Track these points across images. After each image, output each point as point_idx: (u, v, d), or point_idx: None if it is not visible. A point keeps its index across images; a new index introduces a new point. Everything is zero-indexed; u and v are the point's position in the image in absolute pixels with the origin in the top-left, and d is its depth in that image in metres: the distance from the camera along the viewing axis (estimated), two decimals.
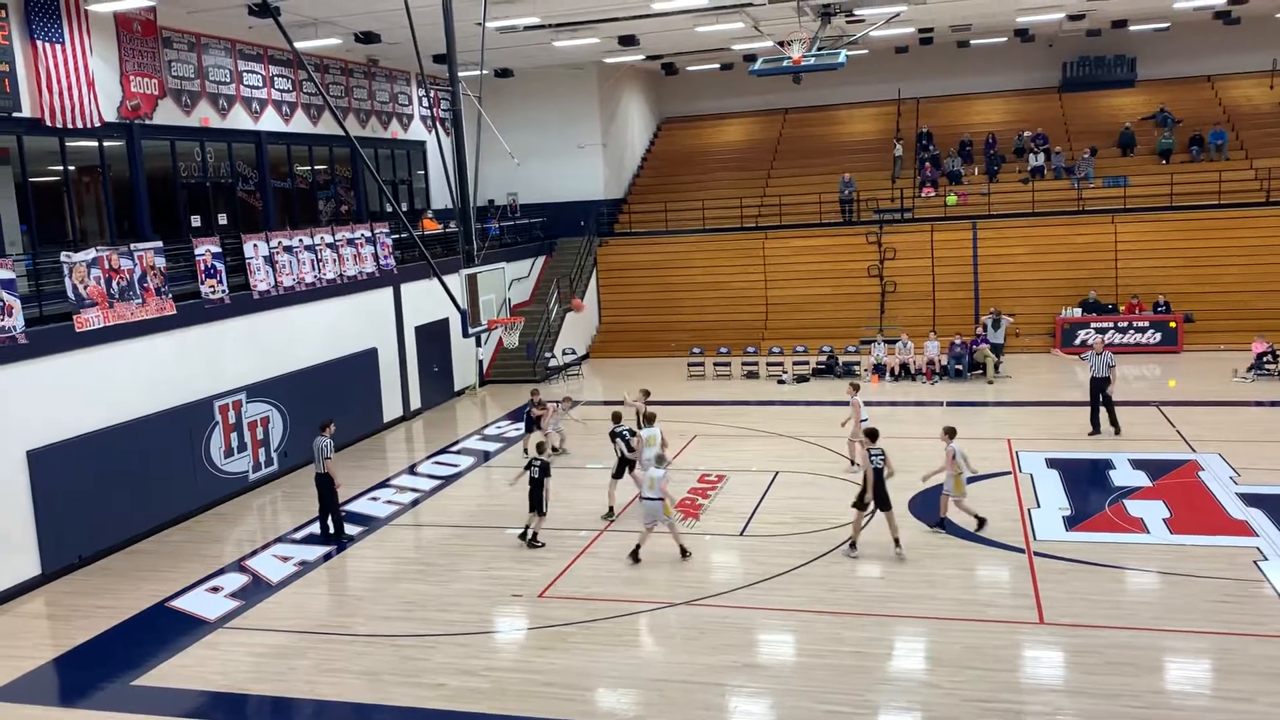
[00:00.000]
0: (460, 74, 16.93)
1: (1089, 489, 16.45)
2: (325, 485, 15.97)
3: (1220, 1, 28.45)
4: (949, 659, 11.03)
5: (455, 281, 17.83)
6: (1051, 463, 18.01)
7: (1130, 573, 13.10)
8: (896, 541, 13.90)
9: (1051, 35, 34.10)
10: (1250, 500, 15.37)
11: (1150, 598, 12.47)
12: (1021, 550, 13.99)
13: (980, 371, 25.68)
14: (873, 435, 14.46)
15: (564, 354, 29.75)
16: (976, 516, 14.83)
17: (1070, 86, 35.93)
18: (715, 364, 28.16)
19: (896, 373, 26.28)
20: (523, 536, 15.24)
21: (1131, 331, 27.83)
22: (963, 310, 29.54)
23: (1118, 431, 19.57)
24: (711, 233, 33.39)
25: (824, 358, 27.61)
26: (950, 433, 14.98)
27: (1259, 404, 21.68)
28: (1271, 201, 29.42)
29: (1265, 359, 23.97)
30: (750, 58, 31.20)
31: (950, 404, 23.41)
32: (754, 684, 10.80)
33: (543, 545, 15.02)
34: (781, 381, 26.78)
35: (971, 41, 34.10)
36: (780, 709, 10.26)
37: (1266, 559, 13.18)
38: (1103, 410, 19.82)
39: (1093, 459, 18.05)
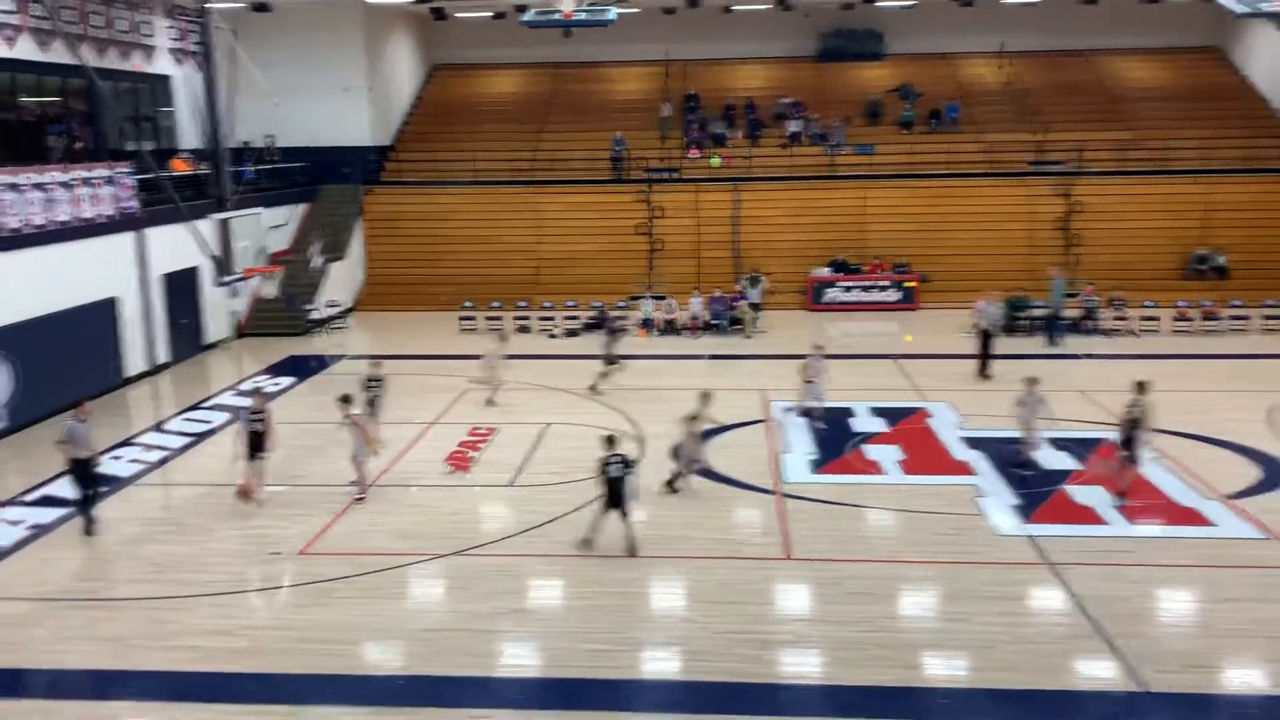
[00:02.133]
0: (211, 5, 15.86)
1: (833, 435, 17.68)
2: (83, 472, 13.79)
3: None
4: (704, 595, 11.67)
5: (207, 227, 16.85)
6: (800, 411, 19.17)
7: (868, 510, 14.25)
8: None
9: (810, 6, 35.72)
10: (972, 443, 17.01)
11: (885, 533, 13.64)
12: (772, 492, 14.92)
13: (740, 327, 26.90)
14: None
15: (328, 306, 28.71)
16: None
17: (825, 56, 37.83)
18: (487, 318, 28.02)
19: (662, 327, 27.10)
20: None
21: (874, 290, 29.92)
22: (725, 268, 30.73)
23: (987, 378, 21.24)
24: (483, 185, 33.02)
25: (594, 313, 28.05)
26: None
27: (973, 356, 23.86)
28: (997, 173, 32.25)
29: None
30: (522, 8, 30.86)
31: (712, 357, 24.43)
32: (521, 628, 11.04)
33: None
34: (553, 336, 27.02)
35: (735, 7, 35.18)
36: (545, 651, 10.55)
37: (984, 496, 14.68)
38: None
39: (836, 407, 19.36)
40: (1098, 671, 9.98)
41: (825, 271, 30.45)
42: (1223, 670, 9.94)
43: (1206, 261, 30.03)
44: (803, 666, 10.22)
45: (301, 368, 23.73)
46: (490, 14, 35.11)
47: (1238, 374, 21.55)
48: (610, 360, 21.04)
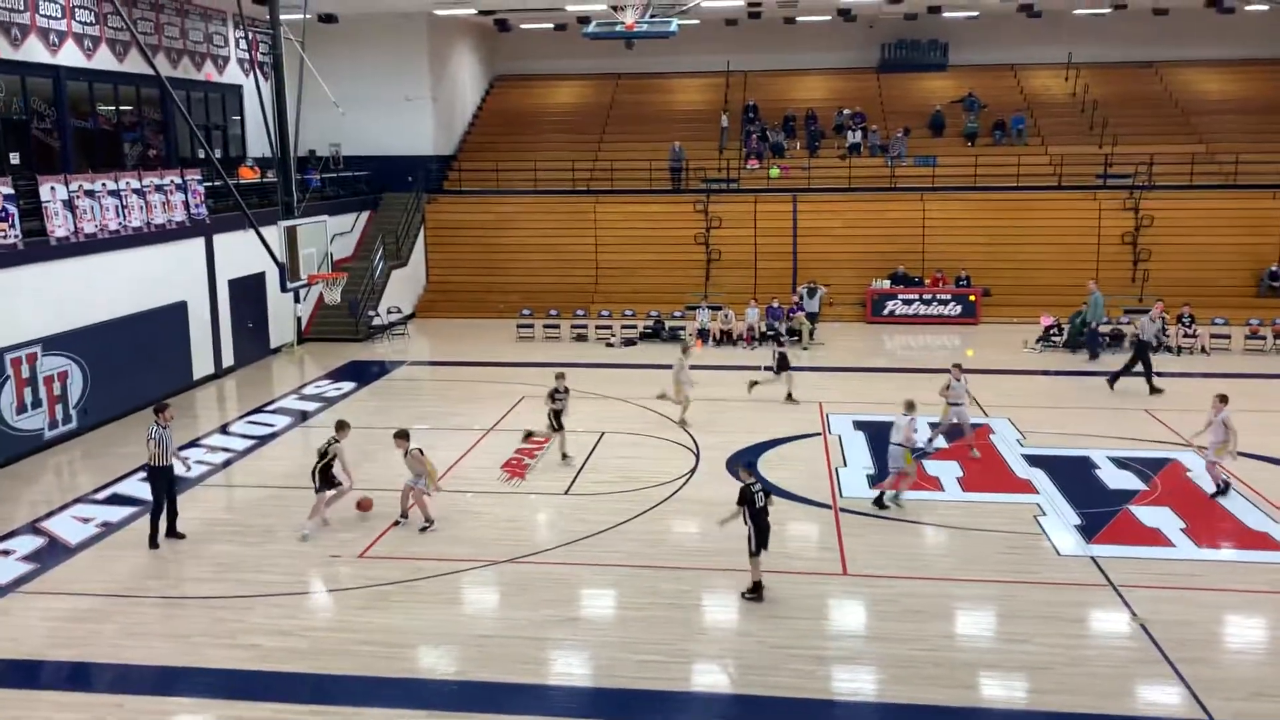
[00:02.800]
0: (282, 16, 16.25)
1: (889, 448, 17.43)
2: (164, 479, 13.66)
3: None
4: (759, 609, 11.60)
5: (273, 234, 17.20)
6: (859, 425, 19.03)
7: (926, 527, 14.07)
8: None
9: (872, 17, 35.51)
10: (1033, 461, 16.72)
11: (943, 550, 13.45)
12: (829, 507, 14.79)
13: (797, 338, 26.75)
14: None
15: (389, 313, 29.15)
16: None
17: (887, 68, 37.57)
18: (545, 326, 28.22)
19: (719, 337, 27.07)
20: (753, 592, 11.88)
21: (935, 304, 29.58)
22: (782, 279, 30.60)
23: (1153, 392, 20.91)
24: (543, 194, 33.31)
25: (651, 322, 28.12)
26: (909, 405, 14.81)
27: (1044, 373, 23.51)
28: (1063, 185, 31.73)
29: (1051, 331, 25.98)
30: (584, 19, 31.13)
31: (767, 368, 24.25)
32: (573, 637, 11.07)
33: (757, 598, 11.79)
34: (610, 344, 27.14)
35: (797, 18, 35.11)
36: (596, 660, 10.57)
37: (1045, 514, 14.41)
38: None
39: (888, 421, 19.12)
40: (1160, 698, 9.74)
41: (885, 284, 30.17)
42: None
43: None
44: (857, 683, 10.11)
45: (363, 373, 24.10)
46: (552, 25, 35.48)
47: None
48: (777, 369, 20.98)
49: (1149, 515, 14.22)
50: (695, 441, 17.94)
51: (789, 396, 20.63)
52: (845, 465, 16.73)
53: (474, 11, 32.60)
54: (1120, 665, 10.29)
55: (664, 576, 12.45)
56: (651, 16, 23.13)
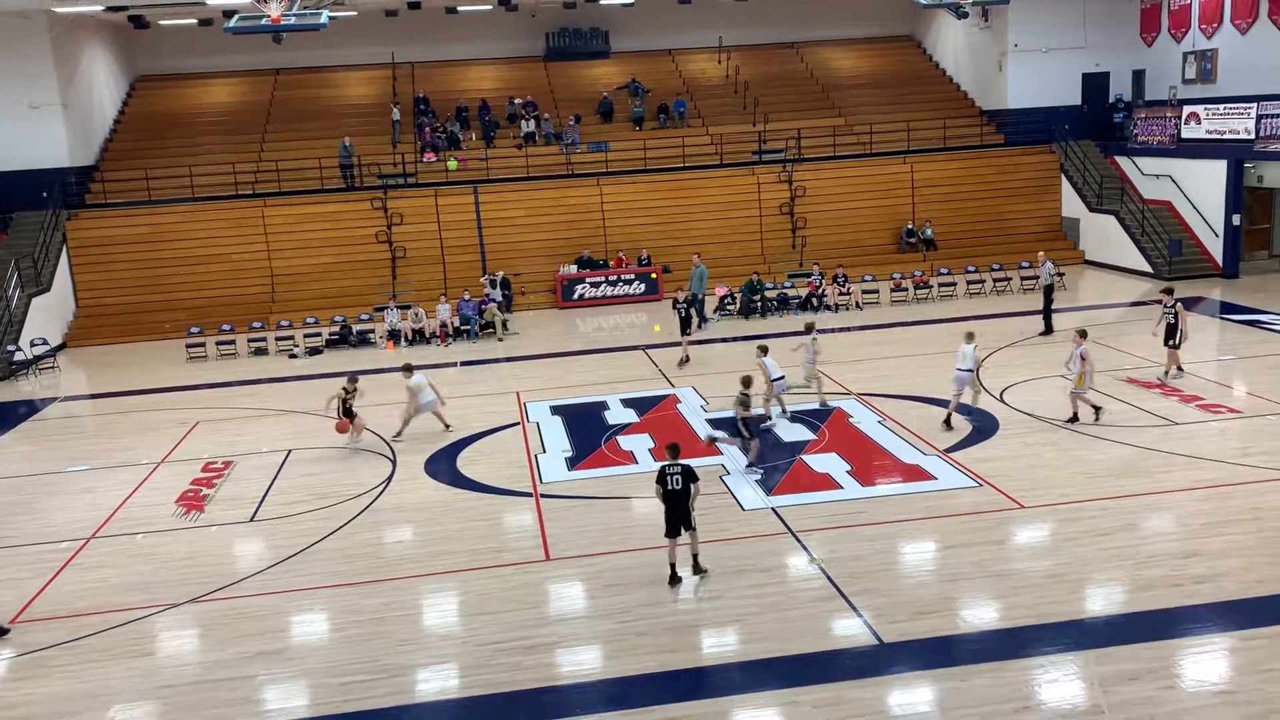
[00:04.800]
0: None
1: (587, 430, 17.84)
2: None
3: None
4: (463, 609, 11.45)
5: None
6: (555, 410, 19.26)
7: (624, 501, 14.46)
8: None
9: (533, 6, 35.87)
10: (716, 424, 17.61)
11: (640, 521, 13.83)
12: (530, 494, 14.85)
13: (491, 330, 26.66)
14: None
15: (33, 346, 26.06)
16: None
17: (553, 56, 38.14)
18: (218, 343, 26.33)
19: (411, 337, 26.45)
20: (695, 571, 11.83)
21: (621, 284, 30.49)
22: (472, 272, 30.37)
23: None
24: (203, 201, 31.04)
25: (337, 328, 27.00)
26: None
27: (723, 340, 24.86)
28: (725, 163, 33.62)
29: (727, 301, 27.52)
30: (230, 13, 29.17)
31: (464, 364, 24.08)
32: (269, 671, 10.40)
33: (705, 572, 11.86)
34: (293, 356, 25.78)
35: (459, 8, 34.83)
36: (294, 691, 9.99)
37: (729, 473, 15.22)
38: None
39: (590, 402, 19.57)
40: (840, 630, 10.54)
41: (572, 269, 30.71)
42: (948, 613, 10.74)
43: (916, 235, 32.58)
44: (566, 666, 10.19)
45: (8, 416, 21.45)
46: (196, 21, 33.04)
47: (949, 336, 23.41)
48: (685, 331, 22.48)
49: (819, 462, 15.39)
50: (391, 447, 17.42)
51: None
52: (545, 451, 16.86)
53: (101, 8, 29.73)
54: (804, 606, 11.04)
55: (364, 593, 11.98)
56: (300, 9, 22.10)
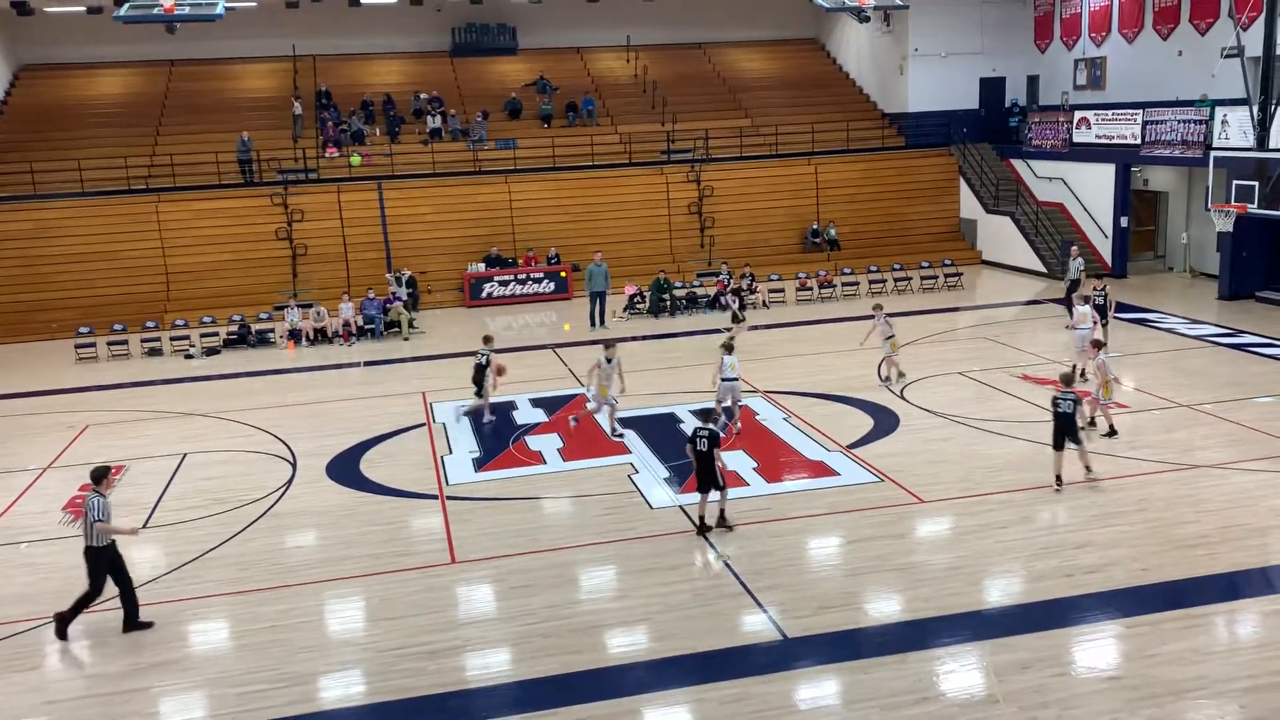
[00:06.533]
0: None
1: (495, 430, 17.67)
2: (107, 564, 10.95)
3: None
4: (366, 614, 11.23)
5: None
6: (462, 410, 18.99)
7: (532, 502, 14.35)
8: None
9: (439, 1, 35.39)
10: (625, 423, 17.61)
11: (548, 522, 13.78)
12: (435, 497, 14.64)
13: (396, 330, 26.22)
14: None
15: None
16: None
17: (460, 51, 37.71)
18: (110, 343, 25.36)
19: (313, 337, 25.85)
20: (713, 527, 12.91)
21: (530, 283, 30.31)
22: (377, 270, 29.80)
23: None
24: (93, 196, 29.87)
25: (235, 327, 26.24)
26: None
27: (633, 338, 24.89)
28: (634, 162, 33.68)
29: (635, 300, 27.57)
30: (121, 1, 28.12)
31: (368, 364, 23.64)
32: (163, 682, 10.03)
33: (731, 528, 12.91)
34: (189, 356, 24.96)
35: (362, 1, 34.16)
36: (190, 702, 9.66)
37: (637, 471, 15.25)
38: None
39: (498, 402, 19.36)
40: (745, 627, 10.63)
41: (480, 267, 30.41)
42: (851, 607, 10.93)
43: (820, 235, 33.12)
44: (471, 670, 10.06)
45: None
46: (85, 9, 31.74)
47: (853, 335, 23.85)
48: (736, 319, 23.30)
49: (727, 458, 15.44)
50: (291, 450, 16.99)
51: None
52: (451, 453, 16.64)
53: None
54: (710, 603, 11.10)
55: (263, 599, 11.65)
56: None
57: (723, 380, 16.87)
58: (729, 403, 16.86)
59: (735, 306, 26.02)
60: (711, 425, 12.74)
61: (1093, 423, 15.98)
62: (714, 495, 12.86)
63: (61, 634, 10.88)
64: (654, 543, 12.72)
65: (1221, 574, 11.26)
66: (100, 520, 10.73)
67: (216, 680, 10.01)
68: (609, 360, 17.01)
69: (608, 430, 17.00)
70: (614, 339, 18.99)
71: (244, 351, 25.26)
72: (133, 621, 11.05)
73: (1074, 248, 25.51)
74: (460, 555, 12.62)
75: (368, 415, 18.76)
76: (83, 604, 10.90)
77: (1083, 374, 17.70)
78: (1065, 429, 13.61)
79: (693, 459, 12.84)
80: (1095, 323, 18.99)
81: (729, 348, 17.10)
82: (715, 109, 36.66)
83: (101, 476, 11.13)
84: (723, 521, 12.91)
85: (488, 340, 18.41)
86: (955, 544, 12.40)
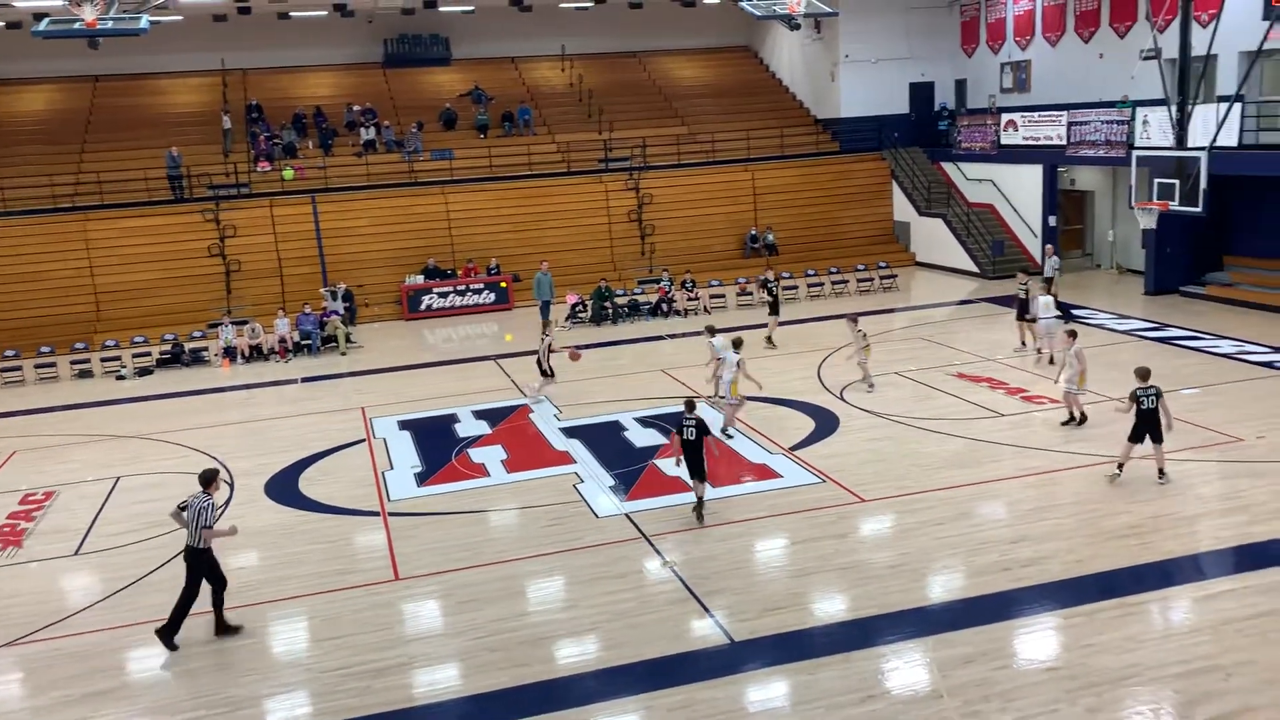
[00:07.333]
0: None
1: (438, 444, 17.52)
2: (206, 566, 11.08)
3: None
4: (309, 634, 11.06)
5: None
6: (404, 424, 18.83)
7: (476, 515, 14.25)
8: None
9: (369, 11, 35.08)
10: (570, 432, 17.61)
11: (494, 534, 13.69)
12: (377, 514, 14.47)
13: (334, 344, 25.88)
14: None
15: None
16: None
17: (393, 63, 37.40)
18: (37, 366, 24.69)
19: (248, 354, 25.41)
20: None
21: (469, 294, 30.11)
22: (313, 285, 29.36)
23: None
24: (15, 215, 29.04)
25: (168, 346, 25.70)
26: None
27: (579, 346, 24.75)
28: (572, 171, 33.65)
29: (578, 309, 27.54)
30: (40, 16, 27.41)
31: (305, 380, 23.29)
32: (99, 713, 9.78)
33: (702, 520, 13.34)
34: (121, 377, 24.38)
35: (291, 13, 33.75)
36: None
37: (583, 481, 15.22)
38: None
39: (440, 415, 19.24)
40: (692, 632, 10.66)
41: (419, 279, 30.15)
42: (796, 608, 11.01)
43: (759, 240, 33.39)
44: (418, 688, 9.95)
45: None
46: (3, 23, 30.96)
47: (792, 337, 24.09)
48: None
49: (671, 466, 15.53)
50: (228, 470, 16.68)
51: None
52: (392, 468, 16.46)
53: None
54: (658, 610, 11.11)
55: (201, 624, 11.39)
56: (118, 13, 20.93)
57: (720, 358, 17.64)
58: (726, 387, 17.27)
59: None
60: (698, 415, 13.28)
61: (1074, 419, 16.31)
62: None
63: (170, 645, 10.82)
64: (600, 551, 12.70)
65: (1153, 563, 11.55)
66: (208, 527, 10.86)
67: (155, 709, 9.79)
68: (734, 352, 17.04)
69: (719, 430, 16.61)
70: (716, 328, 19.59)
71: (178, 371, 24.77)
72: (222, 625, 11.12)
73: (1049, 246, 25.93)
74: (404, 571, 12.48)
75: (306, 432, 18.49)
76: (183, 607, 10.92)
77: (1050, 360, 18.80)
78: (1148, 425, 13.47)
79: (678, 449, 13.34)
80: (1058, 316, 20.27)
81: (713, 329, 18.83)
82: (652, 117, 36.79)
83: (211, 479, 11.22)
84: (698, 509, 13.34)
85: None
86: (896, 542, 12.57)
